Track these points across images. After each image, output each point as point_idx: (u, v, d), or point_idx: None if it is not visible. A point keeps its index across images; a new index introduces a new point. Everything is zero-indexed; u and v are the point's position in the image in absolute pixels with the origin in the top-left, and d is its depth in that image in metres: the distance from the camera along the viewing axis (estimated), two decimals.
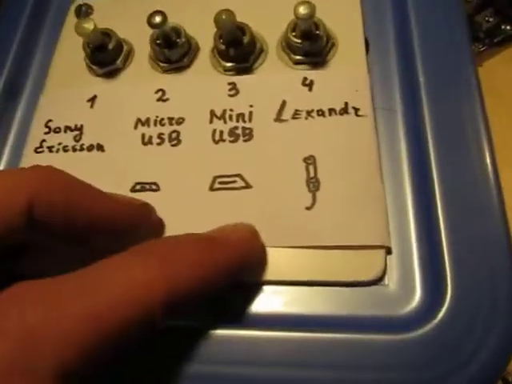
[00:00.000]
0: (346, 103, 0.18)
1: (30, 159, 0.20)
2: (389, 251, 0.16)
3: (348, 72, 0.19)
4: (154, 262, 0.13)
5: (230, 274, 0.15)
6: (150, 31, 0.21)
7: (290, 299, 0.16)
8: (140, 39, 0.22)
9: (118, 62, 0.21)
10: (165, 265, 0.13)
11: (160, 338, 0.14)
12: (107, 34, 0.21)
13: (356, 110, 0.18)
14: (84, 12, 0.24)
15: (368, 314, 0.15)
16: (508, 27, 0.41)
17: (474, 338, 0.14)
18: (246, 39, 0.19)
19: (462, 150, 0.17)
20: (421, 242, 0.16)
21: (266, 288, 0.16)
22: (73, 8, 0.24)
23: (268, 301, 0.16)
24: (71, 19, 0.24)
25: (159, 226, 0.17)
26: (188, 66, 0.21)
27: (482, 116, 0.17)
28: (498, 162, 0.17)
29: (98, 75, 0.22)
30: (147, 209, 0.17)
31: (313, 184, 0.17)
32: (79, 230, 0.15)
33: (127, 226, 0.16)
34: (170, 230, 0.17)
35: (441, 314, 0.14)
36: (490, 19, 0.41)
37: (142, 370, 0.15)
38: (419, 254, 0.16)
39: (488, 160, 0.17)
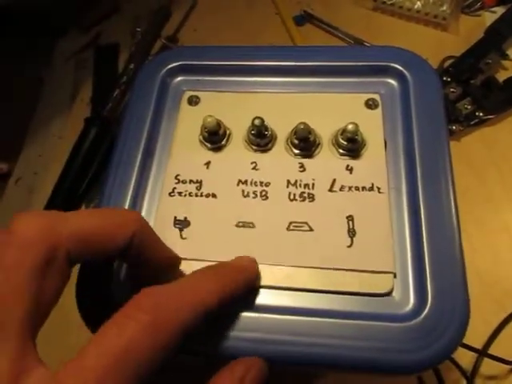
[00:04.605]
0: (373, 183, 0.30)
1: (165, 200, 0.31)
2: (395, 275, 0.27)
3: (374, 163, 0.31)
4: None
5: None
6: (244, 123, 0.32)
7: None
8: (236, 127, 0.33)
9: (223, 141, 0.33)
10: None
11: None
12: (218, 124, 0.33)
13: (378, 188, 0.30)
14: (194, 101, 0.36)
15: (382, 312, 0.27)
16: (481, 114, 0.53)
17: (441, 326, 0.25)
18: (311, 138, 0.31)
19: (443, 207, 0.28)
20: (413, 268, 0.28)
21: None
22: (185, 98, 0.36)
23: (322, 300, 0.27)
24: (184, 106, 0.35)
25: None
26: (270, 149, 0.32)
27: (453, 200, 0.29)
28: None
29: (208, 149, 0.33)
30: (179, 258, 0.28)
31: (351, 232, 0.28)
32: (146, 260, 0.24)
33: (171, 264, 0.27)
34: (263, 257, 0.28)
35: (424, 313, 0.26)
36: (468, 107, 0.54)
37: None
38: (413, 275, 0.27)
39: (453, 211, 0.28)
